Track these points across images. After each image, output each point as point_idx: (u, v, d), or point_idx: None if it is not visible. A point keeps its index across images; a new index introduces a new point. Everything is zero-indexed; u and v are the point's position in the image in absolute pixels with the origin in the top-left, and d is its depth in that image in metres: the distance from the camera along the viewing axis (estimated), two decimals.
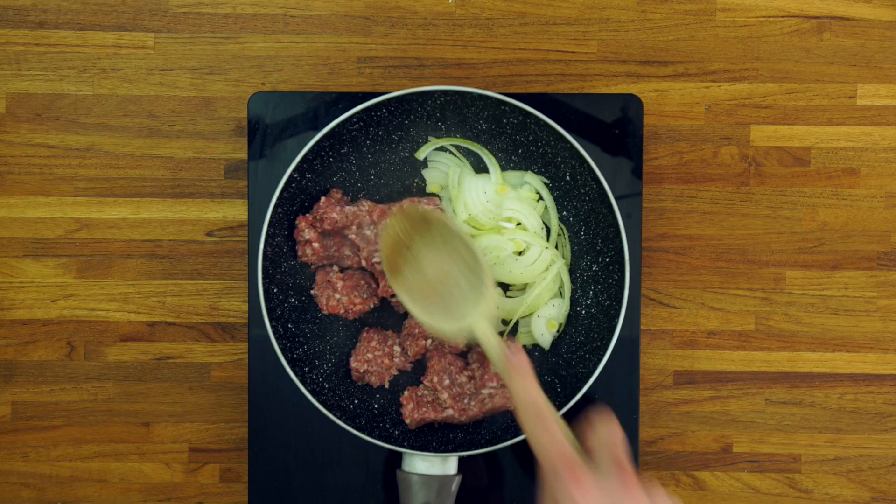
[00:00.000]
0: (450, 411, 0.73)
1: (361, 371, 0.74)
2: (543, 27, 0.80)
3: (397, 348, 0.75)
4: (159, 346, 0.80)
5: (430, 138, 0.76)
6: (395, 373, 0.75)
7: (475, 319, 0.63)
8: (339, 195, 0.74)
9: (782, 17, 0.80)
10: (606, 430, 0.52)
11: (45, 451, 0.80)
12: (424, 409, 0.73)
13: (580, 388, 0.71)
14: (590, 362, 0.72)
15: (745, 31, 0.80)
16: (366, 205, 0.73)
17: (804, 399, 0.80)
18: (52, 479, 0.80)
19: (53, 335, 0.80)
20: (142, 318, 0.80)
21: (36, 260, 0.80)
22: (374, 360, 0.74)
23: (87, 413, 0.80)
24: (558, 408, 0.71)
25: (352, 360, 0.74)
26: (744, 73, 0.80)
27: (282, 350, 0.71)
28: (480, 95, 0.71)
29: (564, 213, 0.76)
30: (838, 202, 0.80)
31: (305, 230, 0.73)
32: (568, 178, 0.74)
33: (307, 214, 0.73)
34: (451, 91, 0.71)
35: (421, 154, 0.76)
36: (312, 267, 0.75)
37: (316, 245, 0.73)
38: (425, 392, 0.74)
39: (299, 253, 0.74)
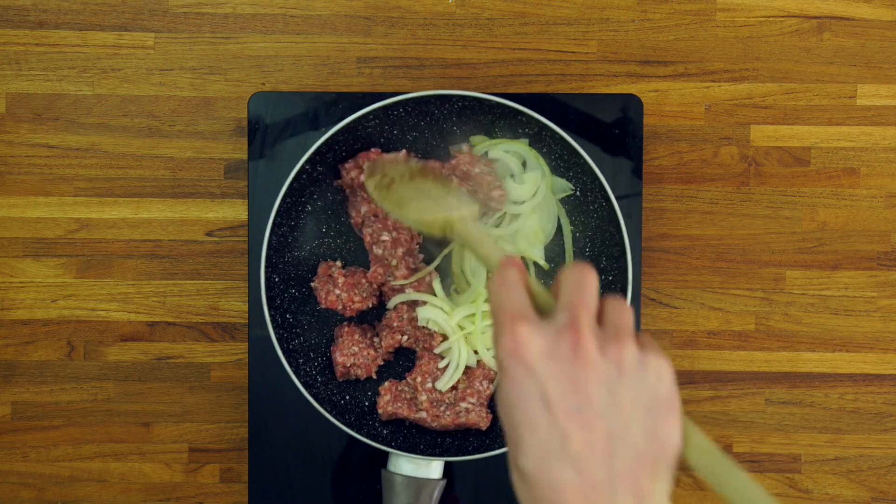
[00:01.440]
0: (423, 414, 0.73)
1: (348, 365, 0.74)
2: (543, 27, 0.80)
3: (377, 339, 0.75)
4: (159, 346, 0.80)
5: (471, 140, 0.76)
6: (381, 363, 0.75)
7: (462, 216, 0.58)
8: (411, 154, 0.75)
9: (782, 17, 0.80)
10: (569, 276, 0.43)
11: (45, 451, 0.80)
12: (400, 405, 0.73)
13: None
14: None
15: (745, 31, 0.80)
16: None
17: (804, 399, 0.80)
18: (52, 479, 0.80)
19: (53, 335, 0.80)
20: (142, 318, 0.80)
21: (36, 260, 0.80)
22: (359, 352, 0.74)
23: (87, 413, 0.80)
24: None
25: (336, 355, 0.74)
26: (744, 73, 0.80)
27: (278, 340, 0.71)
28: (497, 104, 0.71)
29: (571, 227, 0.76)
30: (838, 202, 0.80)
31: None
32: (578, 193, 0.74)
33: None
34: (469, 97, 0.71)
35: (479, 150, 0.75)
36: (345, 191, 0.75)
37: (357, 173, 0.73)
38: (405, 388, 0.74)
39: (343, 173, 0.74)
